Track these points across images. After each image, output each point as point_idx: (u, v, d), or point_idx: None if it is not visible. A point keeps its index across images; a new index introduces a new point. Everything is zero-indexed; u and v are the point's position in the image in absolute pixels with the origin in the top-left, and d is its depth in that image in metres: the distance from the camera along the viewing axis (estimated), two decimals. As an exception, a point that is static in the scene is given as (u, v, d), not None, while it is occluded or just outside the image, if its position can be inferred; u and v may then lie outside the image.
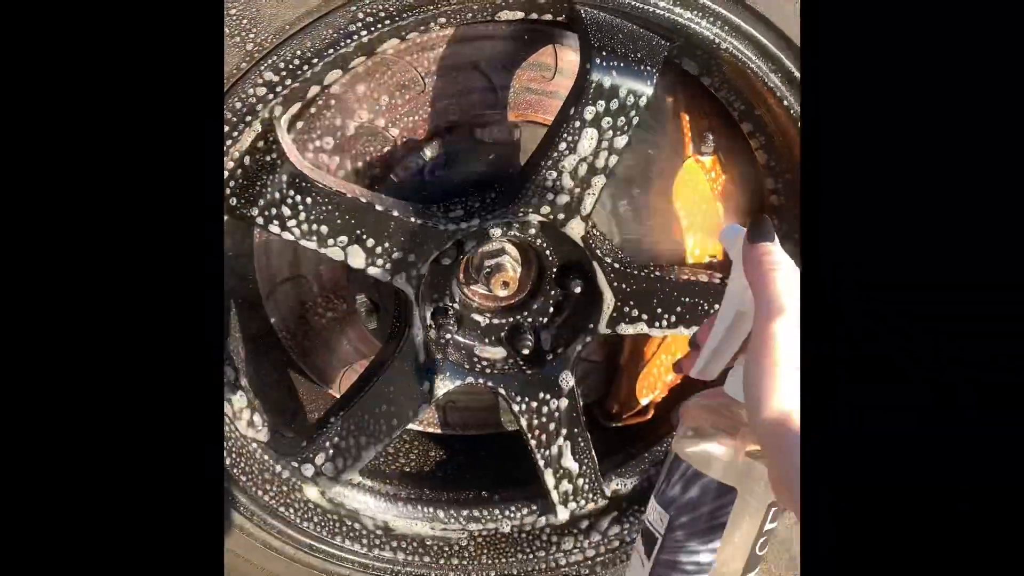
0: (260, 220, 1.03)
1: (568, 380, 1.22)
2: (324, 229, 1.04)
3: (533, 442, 1.23)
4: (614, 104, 1.02)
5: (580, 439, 1.24)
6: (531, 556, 1.35)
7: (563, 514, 1.30)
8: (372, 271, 1.08)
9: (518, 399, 1.22)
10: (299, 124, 1.13)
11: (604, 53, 1.01)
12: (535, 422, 1.22)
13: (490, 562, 1.34)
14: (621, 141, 1.04)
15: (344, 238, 1.05)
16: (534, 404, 1.22)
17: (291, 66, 0.96)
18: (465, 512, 1.33)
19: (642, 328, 1.19)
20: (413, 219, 1.08)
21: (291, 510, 1.23)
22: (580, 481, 1.27)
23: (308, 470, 1.17)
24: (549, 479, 1.26)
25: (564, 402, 1.22)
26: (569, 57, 1.18)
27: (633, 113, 1.03)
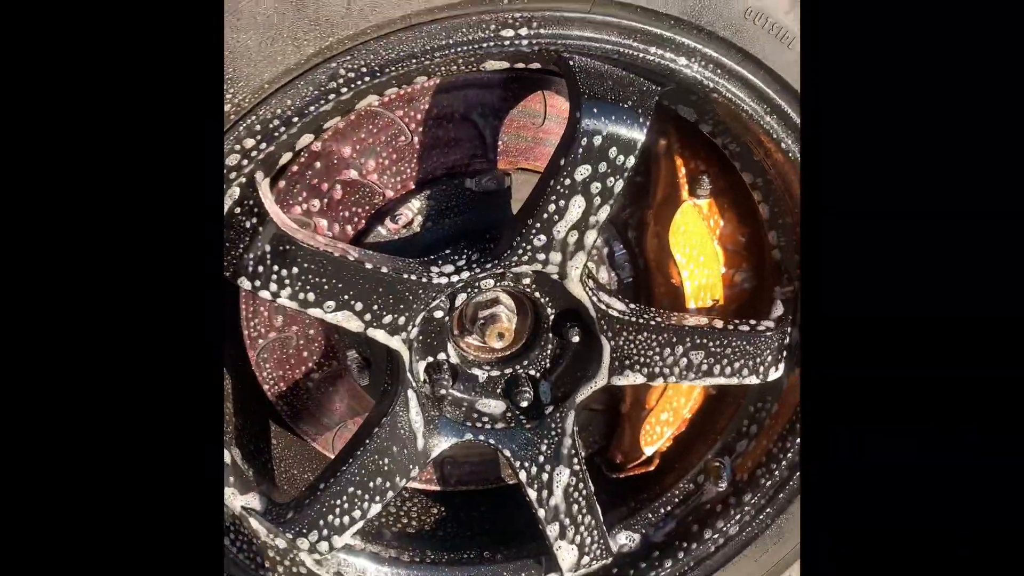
0: (248, 287, 1.00)
1: (569, 431, 1.18)
2: (311, 296, 1.01)
3: (535, 500, 1.19)
4: (603, 167, 1.00)
5: (584, 494, 1.20)
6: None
7: (568, 571, 1.25)
8: (371, 333, 1.05)
9: (519, 457, 1.17)
10: (281, 183, 1.10)
11: (594, 101, 0.98)
12: (537, 480, 1.18)
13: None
14: (604, 213, 1.02)
15: (331, 303, 1.02)
16: (534, 468, 1.17)
17: (269, 127, 0.93)
18: (468, 574, 1.28)
19: (641, 380, 1.15)
20: (404, 275, 1.04)
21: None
22: (585, 538, 1.22)
23: (303, 544, 1.13)
24: (553, 538, 1.21)
25: (566, 457, 1.18)
26: (558, 103, 1.15)
27: (620, 178, 1.01)
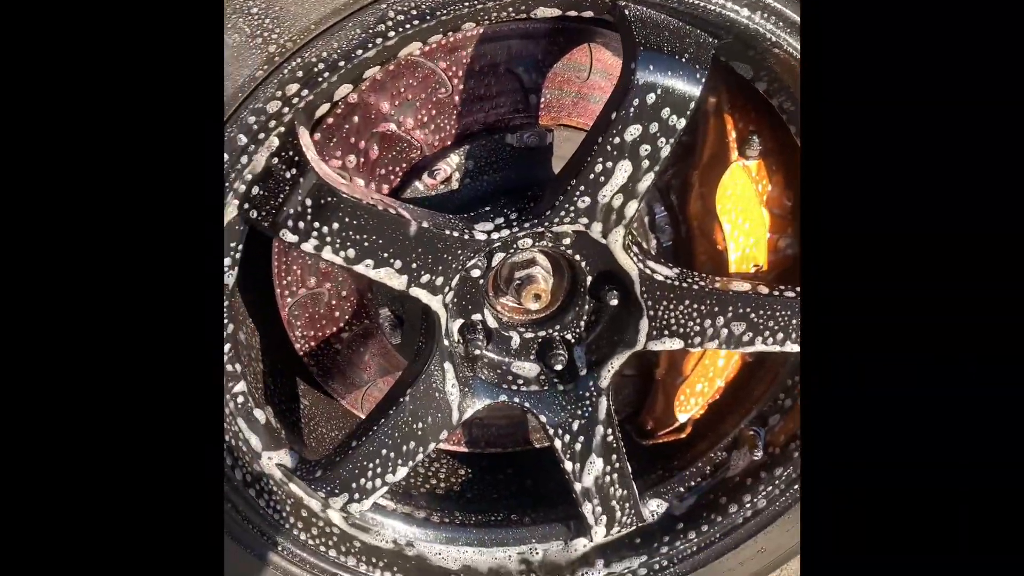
0: (292, 239, 0.97)
1: (604, 400, 1.15)
2: (352, 253, 0.98)
3: (568, 464, 1.17)
4: (654, 127, 0.95)
5: (617, 461, 1.18)
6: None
7: (599, 539, 1.24)
8: (412, 292, 1.02)
9: (553, 424, 1.15)
10: (317, 136, 1.06)
11: (650, 52, 0.94)
12: (570, 450, 1.16)
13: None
14: (649, 179, 0.99)
15: (370, 261, 0.98)
16: (567, 436, 1.15)
17: (312, 72, 0.89)
18: (496, 537, 1.26)
19: (679, 345, 1.13)
20: (443, 231, 1.01)
21: (327, 545, 1.17)
22: (617, 504, 1.21)
23: (336, 503, 1.11)
24: (585, 503, 1.19)
25: (600, 424, 1.16)
26: (605, 56, 1.11)
27: (669, 141, 0.97)
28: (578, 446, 1.16)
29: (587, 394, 1.16)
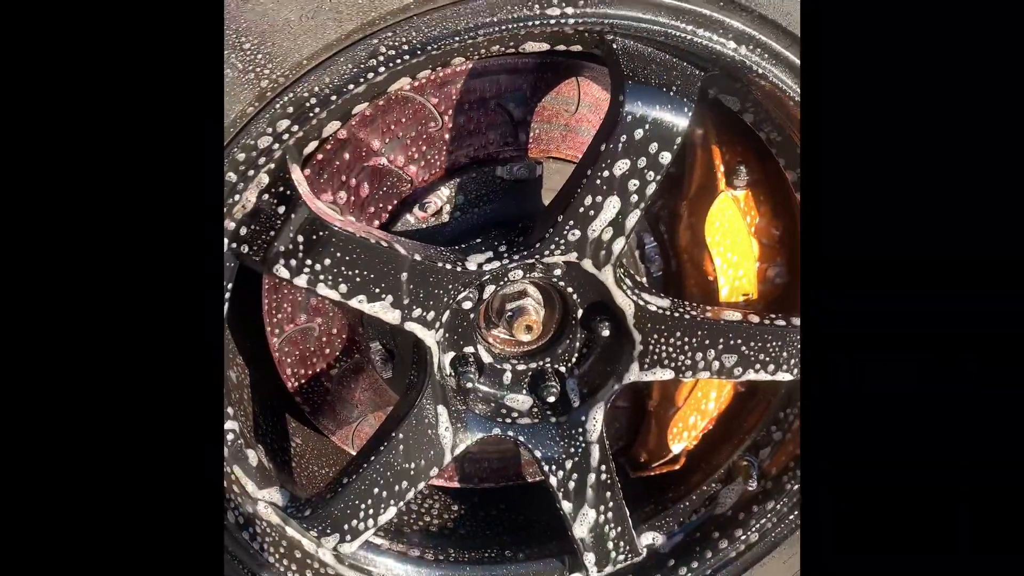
0: (284, 275, 0.96)
1: (597, 433, 1.14)
2: (345, 288, 0.97)
3: (564, 504, 1.15)
4: (642, 162, 0.96)
5: (612, 499, 1.17)
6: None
7: (594, 574, 1.22)
8: (408, 326, 1.02)
9: (546, 456, 1.14)
10: (307, 172, 1.06)
11: (638, 85, 0.95)
12: (564, 482, 1.14)
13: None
14: (636, 216, 1.00)
15: (363, 296, 0.98)
16: (561, 472, 1.14)
17: (304, 107, 0.89)
18: (491, 574, 1.24)
19: (670, 376, 1.12)
20: (435, 263, 1.01)
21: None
22: (612, 538, 1.19)
23: (327, 543, 1.09)
24: (580, 537, 1.18)
25: (594, 457, 1.14)
26: (593, 90, 1.12)
27: (657, 176, 0.98)
28: (572, 484, 1.14)
29: (580, 428, 1.15)
